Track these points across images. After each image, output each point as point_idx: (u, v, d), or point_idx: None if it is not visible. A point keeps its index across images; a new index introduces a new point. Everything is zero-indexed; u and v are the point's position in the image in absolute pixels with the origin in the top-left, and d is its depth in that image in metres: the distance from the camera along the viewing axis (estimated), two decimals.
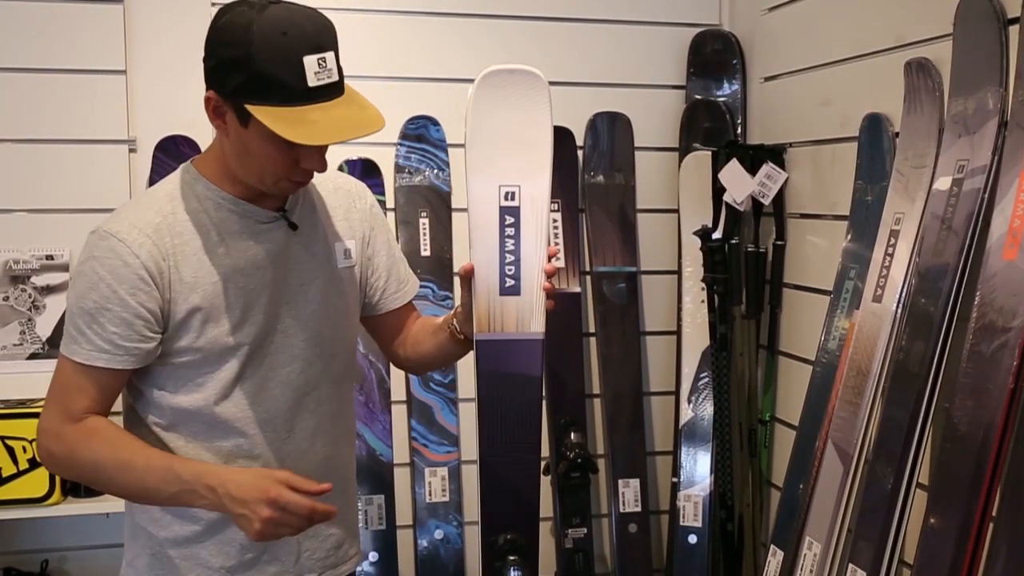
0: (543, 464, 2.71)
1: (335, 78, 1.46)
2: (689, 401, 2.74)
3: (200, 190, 1.57)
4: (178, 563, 1.61)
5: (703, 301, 2.71)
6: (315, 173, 1.56)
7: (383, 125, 1.50)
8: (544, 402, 1.91)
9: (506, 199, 1.61)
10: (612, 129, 2.82)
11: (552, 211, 2.77)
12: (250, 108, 1.43)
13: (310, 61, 1.42)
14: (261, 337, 1.58)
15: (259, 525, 1.41)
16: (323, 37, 1.45)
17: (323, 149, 1.52)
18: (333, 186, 1.74)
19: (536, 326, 1.62)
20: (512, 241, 1.61)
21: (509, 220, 1.61)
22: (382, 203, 2.46)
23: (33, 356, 2.45)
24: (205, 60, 1.48)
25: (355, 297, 1.73)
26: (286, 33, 1.42)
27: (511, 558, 1.64)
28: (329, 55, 1.45)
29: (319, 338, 1.64)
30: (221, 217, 1.56)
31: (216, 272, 1.54)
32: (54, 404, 1.53)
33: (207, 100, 1.48)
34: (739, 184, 2.56)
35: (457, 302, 2.66)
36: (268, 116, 1.42)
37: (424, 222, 2.69)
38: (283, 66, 1.41)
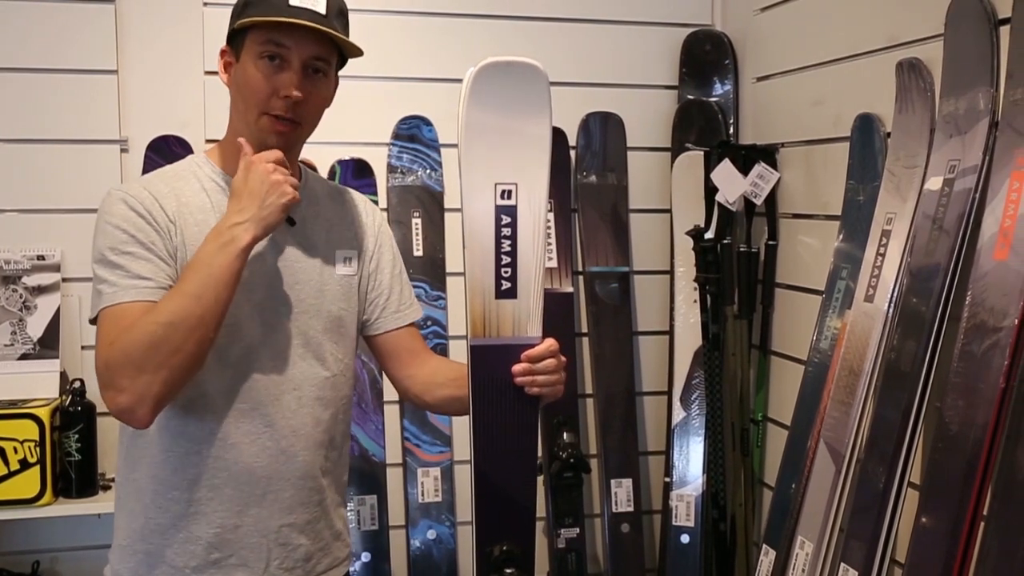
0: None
1: (320, 9, 1.55)
2: (682, 401, 2.75)
3: (206, 172, 1.63)
4: (143, 558, 1.61)
5: (695, 301, 2.72)
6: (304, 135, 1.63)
7: (358, 50, 1.61)
8: None
9: (502, 198, 1.54)
10: (605, 129, 2.82)
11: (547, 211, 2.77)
12: (239, 25, 1.55)
13: None
14: (241, 326, 1.58)
15: (278, 183, 1.49)
16: None
17: (301, 78, 1.56)
18: (342, 198, 1.77)
19: (533, 330, 1.56)
20: (508, 242, 1.55)
21: (505, 220, 1.54)
22: (374, 203, 2.46)
23: (24, 356, 2.44)
24: None
25: (352, 308, 1.72)
26: None
27: (507, 570, 1.59)
28: None
29: (306, 339, 1.64)
30: (220, 200, 1.61)
31: None
32: (100, 347, 1.49)
33: (220, 55, 1.62)
34: (731, 184, 2.56)
35: (449, 302, 2.69)
36: (251, 22, 1.54)
37: (417, 222, 2.69)
38: None
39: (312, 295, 1.65)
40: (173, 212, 1.57)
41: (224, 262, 1.47)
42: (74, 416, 2.36)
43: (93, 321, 1.53)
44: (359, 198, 1.80)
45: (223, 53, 1.63)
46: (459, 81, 1.53)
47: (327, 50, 1.58)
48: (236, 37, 1.59)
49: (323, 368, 1.66)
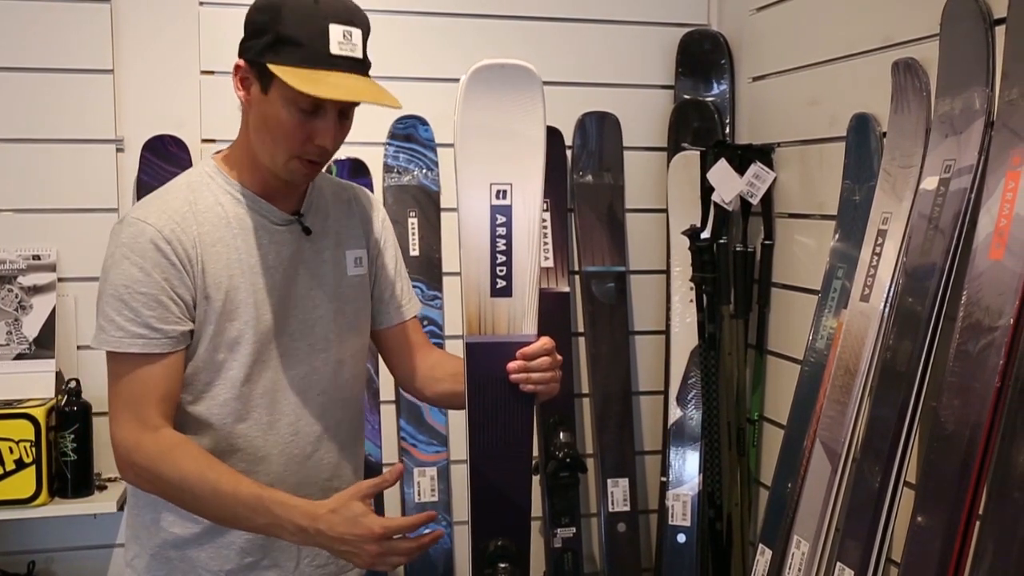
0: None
1: (359, 55, 1.50)
2: (678, 400, 2.75)
3: (220, 183, 1.59)
4: (177, 564, 1.61)
5: (691, 301, 2.72)
6: (331, 177, 1.60)
7: (400, 105, 1.53)
8: None
9: (497, 197, 1.56)
10: (601, 129, 2.82)
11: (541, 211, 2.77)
12: (272, 67, 1.45)
13: (336, 30, 1.46)
14: (268, 338, 1.58)
15: (369, 559, 1.46)
16: (354, 15, 1.50)
17: (337, 126, 1.52)
18: (347, 196, 1.76)
19: (528, 327, 1.58)
20: (503, 241, 1.57)
21: (500, 219, 1.56)
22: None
23: (20, 356, 2.43)
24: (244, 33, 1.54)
25: (366, 306, 1.73)
26: (317, 1, 1.46)
27: (502, 565, 1.61)
28: (356, 31, 1.49)
29: (326, 343, 1.64)
30: (238, 213, 1.58)
31: (232, 266, 1.56)
32: (122, 411, 1.52)
33: (235, 69, 1.53)
34: (727, 184, 2.56)
35: (446, 301, 2.69)
36: (288, 74, 1.44)
37: (413, 222, 2.69)
38: (308, 28, 1.45)
39: (330, 299, 1.65)
40: (195, 236, 1.54)
41: (254, 526, 1.51)
42: (70, 416, 2.36)
43: (99, 348, 1.54)
44: (363, 194, 1.80)
45: (238, 68, 1.53)
46: (455, 81, 1.54)
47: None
48: (260, 65, 1.49)
49: (343, 370, 1.68)
